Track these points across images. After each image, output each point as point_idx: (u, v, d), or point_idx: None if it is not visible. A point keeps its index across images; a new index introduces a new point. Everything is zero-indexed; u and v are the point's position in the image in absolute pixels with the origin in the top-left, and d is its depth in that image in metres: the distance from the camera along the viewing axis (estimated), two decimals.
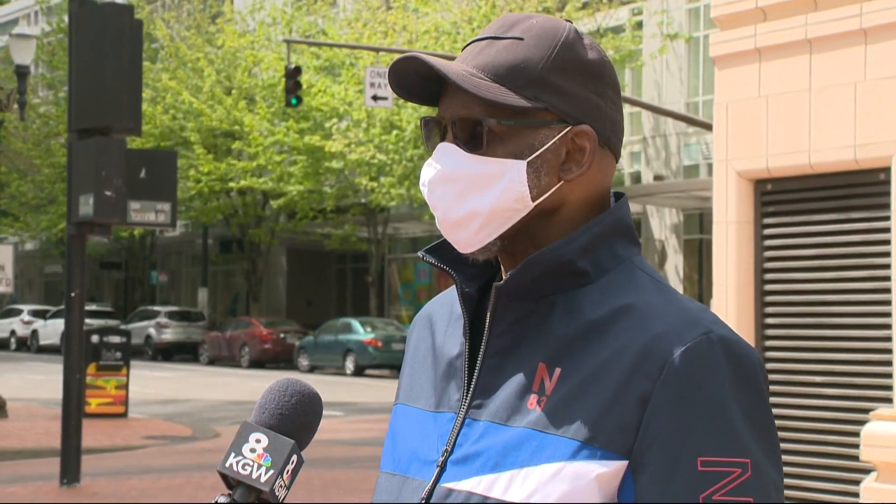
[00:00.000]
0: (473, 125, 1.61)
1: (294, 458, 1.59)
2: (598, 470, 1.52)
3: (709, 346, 1.53)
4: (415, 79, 1.65)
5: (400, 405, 1.75)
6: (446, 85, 1.64)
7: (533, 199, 1.61)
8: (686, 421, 1.51)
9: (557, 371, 1.57)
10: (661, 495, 1.51)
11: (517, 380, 1.59)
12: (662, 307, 1.57)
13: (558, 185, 1.62)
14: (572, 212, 1.63)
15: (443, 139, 1.64)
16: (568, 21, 1.67)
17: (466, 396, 1.64)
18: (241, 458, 1.57)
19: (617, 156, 1.68)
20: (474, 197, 1.61)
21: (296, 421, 1.61)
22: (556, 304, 1.61)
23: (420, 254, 1.73)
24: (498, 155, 1.61)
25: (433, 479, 1.62)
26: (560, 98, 1.61)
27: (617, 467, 1.52)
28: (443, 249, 1.70)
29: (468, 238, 1.63)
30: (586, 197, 1.64)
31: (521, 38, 1.62)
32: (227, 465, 1.57)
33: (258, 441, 1.58)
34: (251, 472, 1.57)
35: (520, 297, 1.61)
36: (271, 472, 1.57)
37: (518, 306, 1.62)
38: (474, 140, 1.61)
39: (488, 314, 1.63)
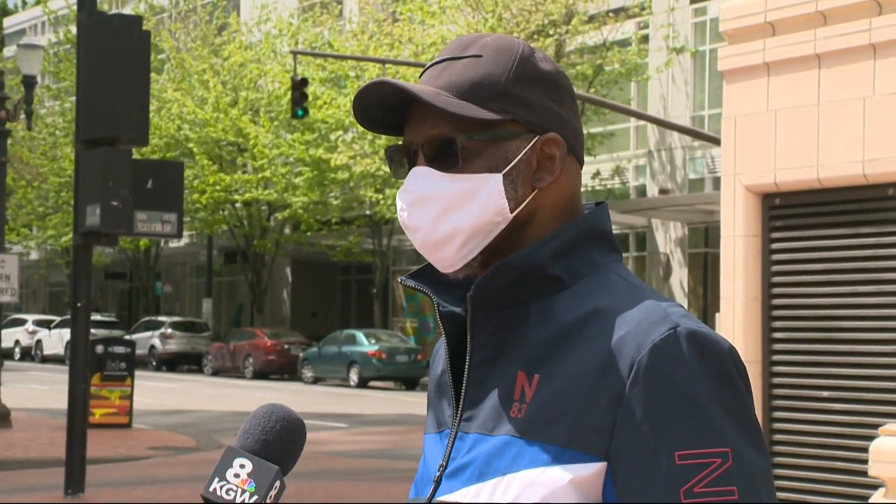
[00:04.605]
0: (446, 144, 1.63)
1: (277, 483, 1.58)
2: (575, 473, 1.53)
3: (676, 341, 1.53)
4: (378, 108, 1.67)
5: (425, 435, 1.78)
6: (412, 111, 1.66)
7: (511, 211, 1.63)
8: (660, 417, 1.52)
9: (536, 377, 1.58)
10: (642, 494, 1.51)
11: (500, 389, 1.61)
12: (630, 307, 1.58)
13: (533, 195, 1.64)
14: (545, 220, 1.65)
15: (413, 164, 1.66)
16: (517, 39, 1.71)
17: (457, 411, 1.66)
18: (224, 483, 1.57)
19: (581, 162, 1.71)
20: (455, 215, 1.63)
21: (280, 447, 1.61)
22: (531, 311, 1.62)
23: (400, 279, 1.75)
24: (473, 171, 1.63)
25: (430, 493, 1.65)
26: (525, 109, 1.64)
27: (596, 469, 1.53)
28: (426, 273, 1.72)
29: (451, 256, 1.64)
30: (558, 204, 1.66)
31: (480, 56, 1.65)
32: (211, 489, 1.57)
33: (242, 466, 1.58)
34: (235, 497, 1.56)
35: (494, 306, 1.63)
36: (255, 497, 1.56)
37: (494, 316, 1.63)
38: (448, 159, 1.63)
39: (467, 327, 1.64)
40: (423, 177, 1.64)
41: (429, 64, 1.69)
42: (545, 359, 1.59)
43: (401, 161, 1.68)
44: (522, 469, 1.55)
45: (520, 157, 1.63)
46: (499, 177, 1.62)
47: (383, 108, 1.67)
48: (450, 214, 1.62)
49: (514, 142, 1.64)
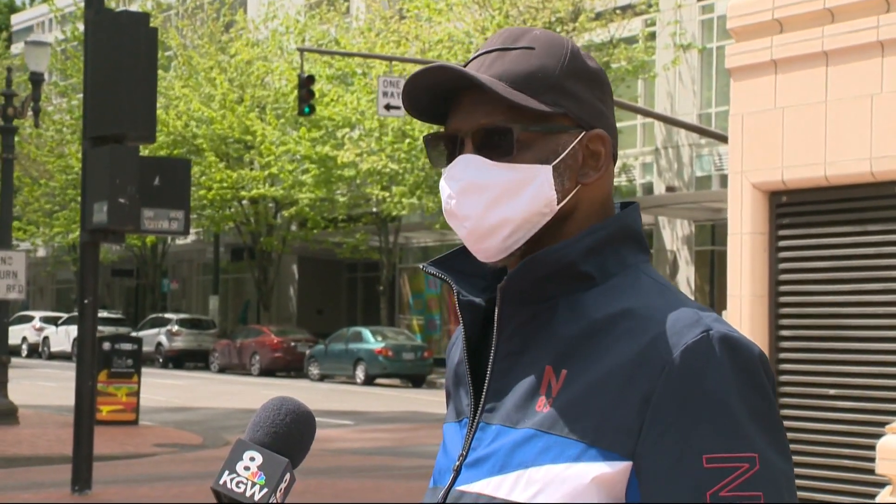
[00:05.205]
0: (500, 133, 1.63)
1: (287, 476, 1.59)
2: (599, 472, 1.53)
3: (708, 344, 1.54)
4: (424, 95, 1.67)
5: (444, 424, 1.78)
6: (461, 98, 1.65)
7: (558, 203, 1.64)
8: (689, 419, 1.52)
9: (563, 373, 1.58)
10: (667, 495, 1.51)
11: (526, 383, 1.61)
12: (663, 308, 1.58)
13: (576, 190, 1.65)
14: (584, 215, 1.66)
15: (455, 153, 1.65)
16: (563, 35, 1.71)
17: (478, 401, 1.66)
18: (234, 475, 1.57)
19: (616, 160, 1.72)
20: (506, 204, 1.63)
21: (290, 439, 1.61)
22: (560, 307, 1.62)
23: (422, 266, 1.75)
24: (525, 161, 1.63)
25: (449, 482, 1.64)
26: (576, 104, 1.65)
27: (621, 469, 1.53)
28: (446, 262, 1.72)
29: (497, 246, 1.64)
30: (596, 200, 1.67)
31: (532, 48, 1.65)
32: (221, 482, 1.57)
33: (252, 459, 1.58)
34: (245, 490, 1.56)
35: (524, 300, 1.63)
36: (265, 490, 1.56)
37: (522, 309, 1.63)
38: (502, 148, 1.63)
39: (495, 318, 1.64)
40: (473, 164, 1.63)
41: (476, 53, 1.68)
42: (573, 355, 1.59)
43: (440, 149, 1.68)
44: (546, 464, 1.55)
45: (568, 150, 1.64)
46: (549, 168, 1.63)
47: (429, 94, 1.66)
48: (500, 204, 1.63)
49: (563, 136, 1.64)
